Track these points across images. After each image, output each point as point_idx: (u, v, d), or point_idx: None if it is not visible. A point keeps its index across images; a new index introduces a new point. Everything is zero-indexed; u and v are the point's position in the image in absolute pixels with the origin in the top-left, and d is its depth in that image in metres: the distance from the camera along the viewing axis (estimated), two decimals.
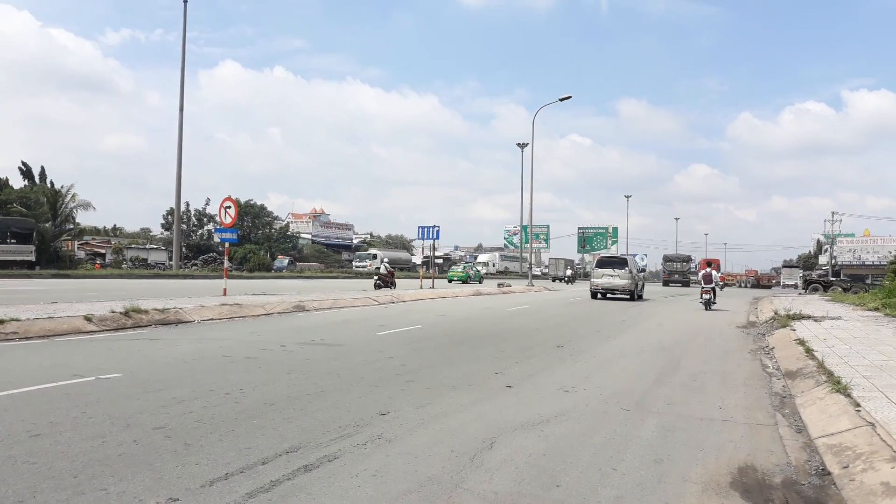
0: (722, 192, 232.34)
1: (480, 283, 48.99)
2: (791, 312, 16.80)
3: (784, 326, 14.24)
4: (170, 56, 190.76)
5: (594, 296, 29.85)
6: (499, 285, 37.78)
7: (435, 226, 30.83)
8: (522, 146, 67.00)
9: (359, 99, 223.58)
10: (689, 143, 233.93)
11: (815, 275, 59.27)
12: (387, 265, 33.54)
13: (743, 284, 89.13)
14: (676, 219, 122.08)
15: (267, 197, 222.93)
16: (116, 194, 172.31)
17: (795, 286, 76.13)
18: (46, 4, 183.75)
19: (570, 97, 42.04)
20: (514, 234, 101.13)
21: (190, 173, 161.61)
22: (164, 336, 11.11)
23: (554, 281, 68.07)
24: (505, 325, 15.30)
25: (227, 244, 21.14)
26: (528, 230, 53.92)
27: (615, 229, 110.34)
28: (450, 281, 49.01)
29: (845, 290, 43.54)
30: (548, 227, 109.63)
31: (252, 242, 77.65)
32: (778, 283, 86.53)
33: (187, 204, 76.19)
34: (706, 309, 23.20)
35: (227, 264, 20.77)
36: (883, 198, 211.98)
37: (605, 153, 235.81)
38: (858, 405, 6.28)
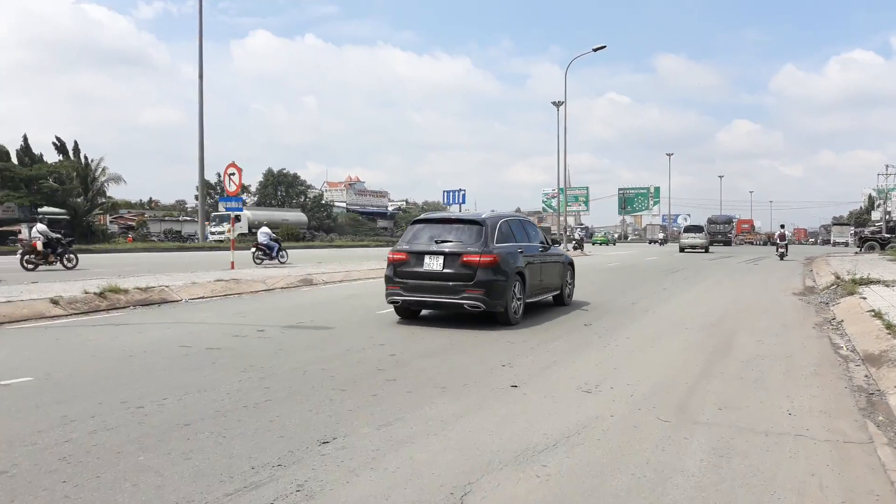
0: (766, 148, 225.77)
1: (615, 244, 60.97)
2: (856, 276, 14.84)
3: (851, 294, 12.35)
4: (203, 27, 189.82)
5: (682, 250, 44.39)
6: None
7: (461, 189, 29.16)
8: (558, 104, 64.47)
9: (391, 64, 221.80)
10: (730, 98, 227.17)
11: (867, 231, 56.07)
12: (269, 233, 23.51)
13: (756, 243, 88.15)
14: (720, 177, 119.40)
15: (305, 166, 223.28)
16: (156, 168, 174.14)
17: (846, 244, 73.76)
18: None
19: (604, 47, 39.60)
20: (553, 196, 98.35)
21: (227, 145, 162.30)
22: (134, 320, 9.78)
23: (650, 244, 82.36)
24: None
25: (233, 214, 19.88)
26: (565, 192, 51.86)
27: (657, 189, 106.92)
28: (593, 244, 63.27)
29: None
30: (587, 188, 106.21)
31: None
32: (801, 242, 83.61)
33: (218, 175, 75.62)
34: (781, 259, 32.48)
35: (233, 235, 19.44)
36: None
37: (644, 111, 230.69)
38: None
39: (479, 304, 9.18)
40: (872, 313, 9.55)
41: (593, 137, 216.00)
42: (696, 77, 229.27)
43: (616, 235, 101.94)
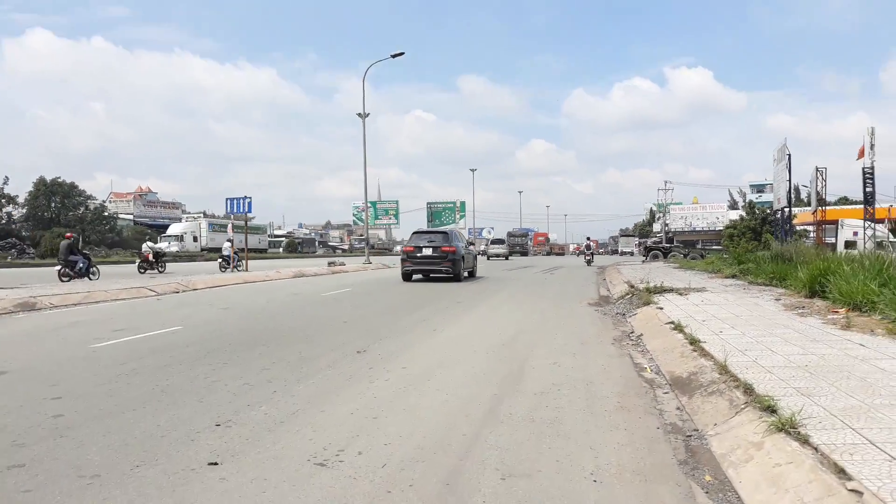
0: (561, 166, 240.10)
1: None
2: (649, 285, 14.44)
3: (647, 304, 11.69)
4: None
5: (488, 258, 55.65)
6: (329, 264, 33.99)
7: (246, 197, 26.37)
8: (363, 116, 63.33)
9: (190, 71, 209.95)
10: (529, 118, 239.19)
11: (650, 242, 60.00)
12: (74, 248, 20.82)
13: (543, 254, 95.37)
14: (520, 192, 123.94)
15: (92, 177, 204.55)
16: None
17: (632, 253, 79.80)
18: None
19: (402, 53, 38.40)
20: (363, 210, 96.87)
21: None
22: None
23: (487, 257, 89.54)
24: (305, 318, 11.75)
25: None
26: (369, 204, 50.33)
27: (462, 203, 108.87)
28: None
29: (684, 255, 43.59)
30: (397, 202, 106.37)
31: (62, 225, 68.91)
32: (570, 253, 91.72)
33: None
34: (588, 265, 37.98)
35: None
36: (704, 168, 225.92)
37: (450, 129, 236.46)
38: (841, 469, 3.38)
39: (449, 271, 21.03)
40: (672, 325, 8.71)
41: (402, 153, 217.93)
42: (498, 98, 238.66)
43: None
